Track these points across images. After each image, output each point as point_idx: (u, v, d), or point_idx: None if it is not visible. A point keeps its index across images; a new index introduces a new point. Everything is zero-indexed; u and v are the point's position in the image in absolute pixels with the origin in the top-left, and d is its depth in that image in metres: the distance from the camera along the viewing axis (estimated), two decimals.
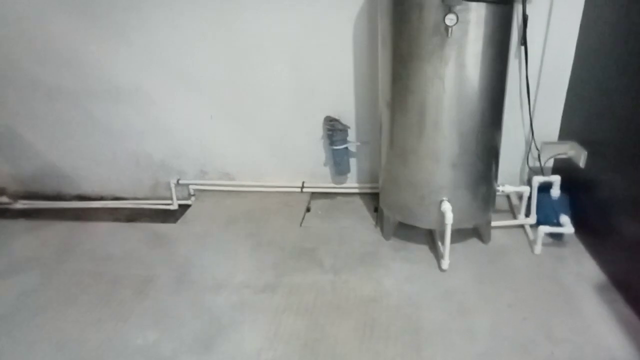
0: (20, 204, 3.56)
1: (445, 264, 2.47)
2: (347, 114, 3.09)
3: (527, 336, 2.06)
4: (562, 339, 2.03)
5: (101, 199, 3.61)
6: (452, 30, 2.05)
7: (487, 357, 1.97)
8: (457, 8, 2.01)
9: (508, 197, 3.09)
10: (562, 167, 2.78)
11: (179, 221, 3.18)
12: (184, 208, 3.39)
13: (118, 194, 3.59)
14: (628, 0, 2.16)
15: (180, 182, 3.44)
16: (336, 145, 3.05)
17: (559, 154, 2.74)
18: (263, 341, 2.11)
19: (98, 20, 3.01)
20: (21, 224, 3.28)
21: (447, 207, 2.39)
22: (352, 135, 3.13)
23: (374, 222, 3.00)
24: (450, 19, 2.00)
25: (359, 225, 2.98)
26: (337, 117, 3.07)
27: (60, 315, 2.35)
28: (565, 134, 2.82)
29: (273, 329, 2.17)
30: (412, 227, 2.68)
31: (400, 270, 2.52)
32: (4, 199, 3.57)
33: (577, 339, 2.03)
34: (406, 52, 2.24)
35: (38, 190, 3.66)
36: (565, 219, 2.57)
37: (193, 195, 3.48)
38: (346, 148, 3.09)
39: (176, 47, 3.02)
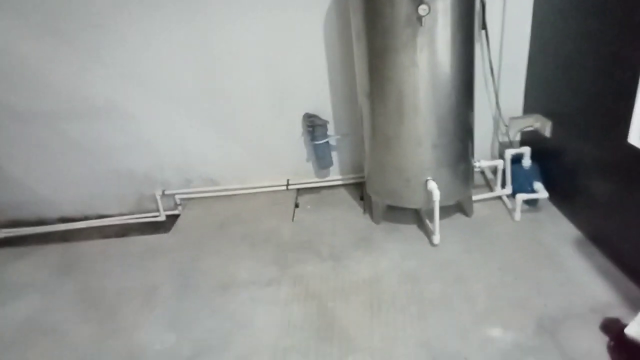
0: (3, 233, 3.50)
1: (436, 239, 2.64)
2: (325, 109, 3.22)
3: (520, 293, 2.25)
4: (551, 292, 2.22)
5: (85, 218, 3.59)
6: (424, 20, 2.21)
7: (488, 316, 2.14)
8: None
9: (483, 172, 3.29)
10: (530, 139, 2.99)
11: (170, 231, 3.22)
12: (172, 218, 3.42)
13: (103, 212, 3.58)
14: None
15: (165, 192, 3.47)
16: (317, 140, 3.18)
17: (526, 127, 2.96)
18: (279, 331, 2.21)
19: (68, 41, 3.02)
20: (8, 251, 3.23)
21: (433, 185, 2.55)
22: (331, 129, 3.25)
23: (362, 210, 3.13)
24: (423, 9, 2.15)
25: (349, 214, 3.11)
26: (315, 113, 3.19)
27: (72, 332, 2.37)
28: (529, 108, 3.04)
29: (286, 318, 2.27)
30: (400, 210, 2.85)
31: (395, 250, 2.67)
32: None
33: (565, 290, 2.23)
34: (381, 45, 2.39)
35: (18, 217, 3.60)
36: (538, 185, 2.79)
37: (179, 204, 3.52)
38: (327, 142, 3.22)
39: (150, 60, 3.07)
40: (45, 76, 3.12)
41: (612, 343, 1.90)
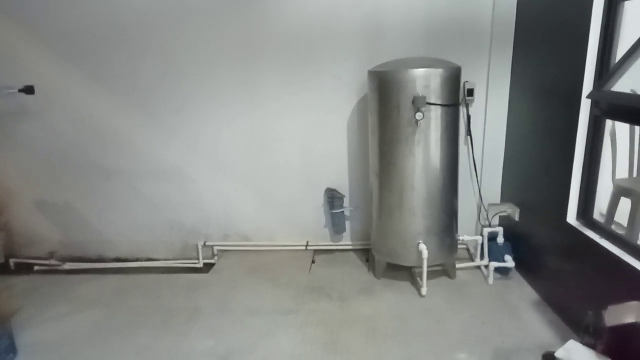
0: (68, 266, 4.23)
1: (424, 291, 3.32)
2: (343, 186, 4.05)
3: (485, 333, 2.89)
4: (509, 334, 2.86)
5: (136, 260, 4.32)
6: (420, 122, 3.10)
7: (458, 347, 2.77)
8: (423, 108, 3.07)
9: (468, 249, 4.00)
10: (504, 221, 3.75)
11: (210, 272, 3.94)
12: (208, 266, 4.14)
13: (152, 256, 4.32)
14: (534, 104, 3.30)
15: (206, 243, 4.23)
16: (335, 209, 3.97)
17: (500, 212, 3.73)
18: (294, 343, 2.85)
19: (153, 118, 3.98)
20: (74, 278, 3.96)
21: (423, 246, 3.28)
22: (346, 202, 4.05)
23: (366, 269, 3.83)
24: (419, 115, 3.05)
25: (355, 271, 3.81)
26: (335, 188, 4.02)
27: (132, 334, 3.04)
28: (505, 197, 3.84)
29: (300, 336, 2.92)
30: (397, 271, 3.55)
31: (390, 297, 3.34)
32: (54, 262, 4.25)
33: (520, 333, 2.86)
34: (389, 138, 3.27)
35: (82, 254, 4.35)
36: (508, 257, 3.50)
37: (216, 255, 4.25)
38: (342, 212, 4.01)
39: (211, 137, 3.99)
40: (131, 143, 4.05)
41: None
